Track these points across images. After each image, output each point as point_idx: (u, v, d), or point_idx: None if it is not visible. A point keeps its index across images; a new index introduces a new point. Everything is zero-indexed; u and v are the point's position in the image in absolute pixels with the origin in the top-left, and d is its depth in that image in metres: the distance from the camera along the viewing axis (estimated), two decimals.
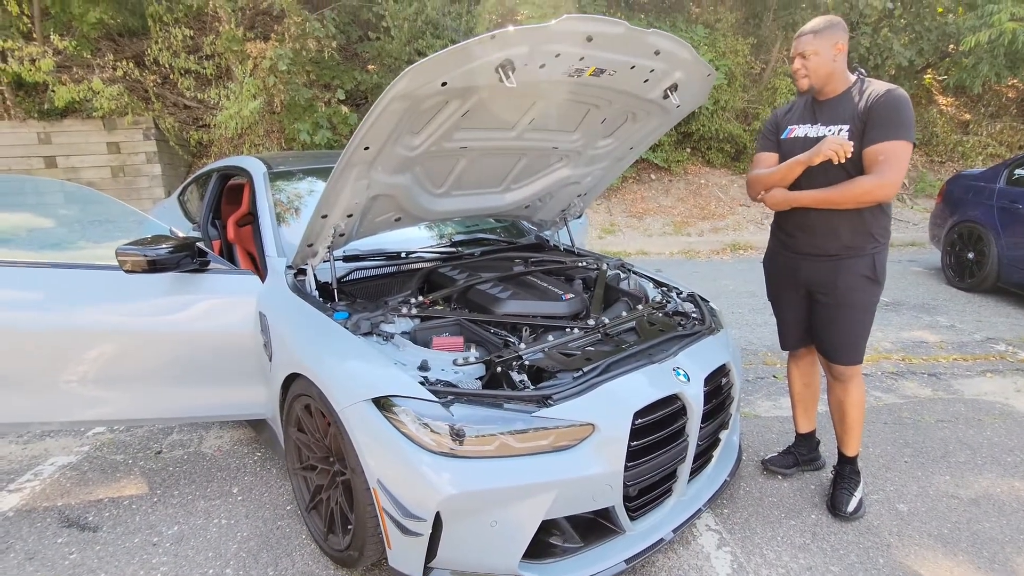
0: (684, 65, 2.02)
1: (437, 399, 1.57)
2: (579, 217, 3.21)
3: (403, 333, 1.95)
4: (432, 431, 1.53)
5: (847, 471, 2.22)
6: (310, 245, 2.10)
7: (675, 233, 7.29)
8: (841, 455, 2.24)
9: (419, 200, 2.27)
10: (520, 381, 1.72)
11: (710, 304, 2.49)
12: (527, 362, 1.79)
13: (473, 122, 1.96)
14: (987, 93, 9.53)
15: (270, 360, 2.12)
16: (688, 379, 1.84)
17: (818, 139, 2.02)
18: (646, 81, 2.05)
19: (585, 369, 1.76)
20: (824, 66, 2.00)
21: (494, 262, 2.60)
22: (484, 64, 1.55)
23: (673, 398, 1.79)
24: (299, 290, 2.13)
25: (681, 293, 2.58)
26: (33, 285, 2.12)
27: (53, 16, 7.10)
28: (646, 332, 2.08)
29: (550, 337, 1.96)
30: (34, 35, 7.01)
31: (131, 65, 7.01)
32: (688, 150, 8.53)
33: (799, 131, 2.13)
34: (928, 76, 9.37)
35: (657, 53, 1.90)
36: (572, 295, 2.20)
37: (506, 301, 2.11)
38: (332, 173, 1.78)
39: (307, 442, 1.96)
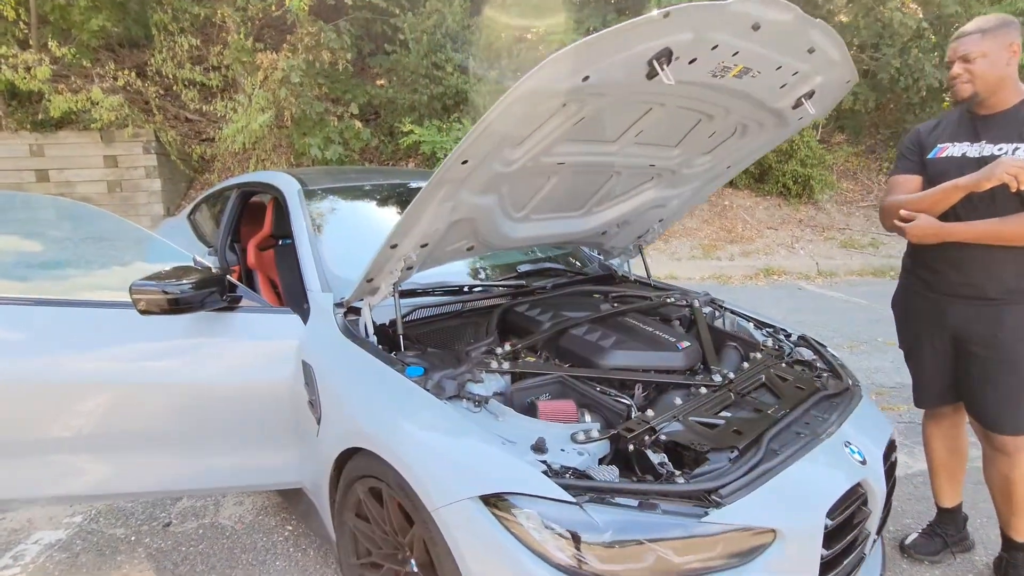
0: (830, 68, 1.67)
1: (571, 497, 1.16)
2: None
3: (495, 394, 1.55)
4: (566, 541, 1.13)
5: (1019, 560, 1.82)
6: (370, 280, 1.70)
7: (704, 257, 6.95)
8: (1008, 540, 1.85)
9: (498, 225, 1.88)
10: (660, 464, 1.32)
11: (829, 349, 2.11)
12: (663, 436, 1.39)
13: (581, 132, 1.59)
14: None
15: (318, 423, 1.70)
16: (864, 459, 1.45)
17: (982, 159, 1.68)
18: (783, 86, 1.70)
19: (739, 447, 1.37)
20: (994, 71, 1.66)
21: (573, 298, 2.21)
22: (638, 53, 1.19)
23: (855, 487, 1.39)
24: (355, 335, 1.73)
25: (790, 335, 2.21)
26: (17, 325, 1.72)
27: (52, 23, 6.73)
28: (785, 392, 1.69)
29: (676, 399, 1.57)
30: (30, 42, 6.63)
31: (133, 75, 6.64)
32: None
33: (954, 150, 1.78)
34: (946, 101, 9.20)
35: (811, 51, 1.55)
36: (687, 343, 1.81)
37: (612, 351, 1.71)
38: (418, 194, 1.40)
39: (371, 534, 1.54)
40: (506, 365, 1.61)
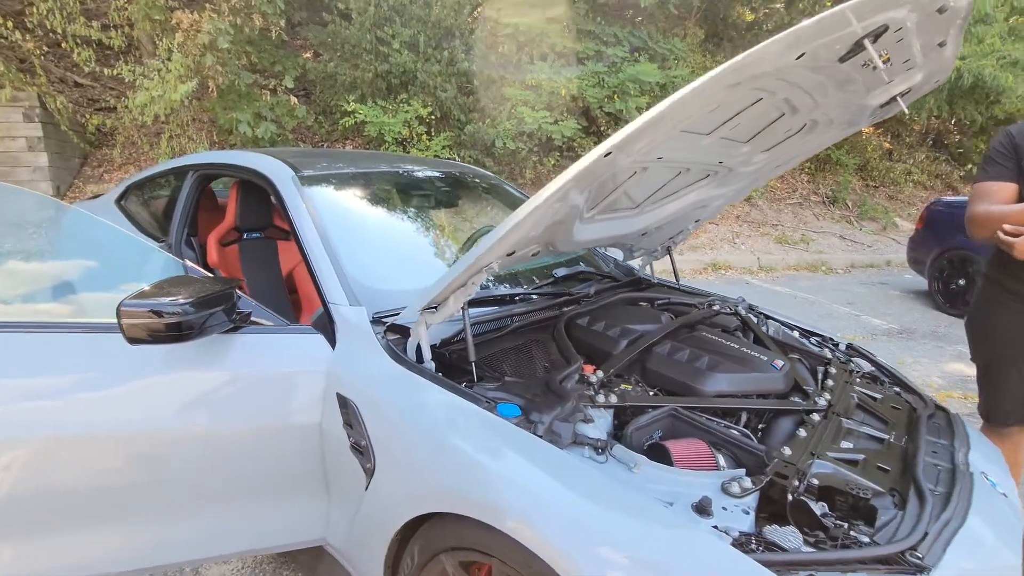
0: (935, 63, 1.56)
1: None
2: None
3: (610, 434, 1.28)
4: None
5: None
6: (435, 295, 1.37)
7: None
8: None
9: (571, 227, 1.61)
10: (823, 515, 1.13)
11: (879, 357, 2.04)
12: (814, 480, 1.20)
13: (694, 123, 1.36)
14: (904, 127, 10.31)
15: (368, 475, 1.35)
16: (1005, 492, 1.35)
17: None
18: (891, 81, 1.56)
19: (898, 489, 1.21)
20: None
21: (626, 308, 1.98)
22: (856, 30, 0.96)
23: None
24: (408, 362, 1.39)
25: (837, 344, 2.12)
26: None
27: None
28: (886, 414, 1.57)
29: (800, 431, 1.38)
30: None
31: (9, 26, 5.53)
32: None
33: None
34: None
35: (941, 45, 1.41)
36: (782, 361, 1.63)
37: (713, 374, 1.50)
38: (540, 195, 1.09)
39: None
40: (613, 398, 1.35)
